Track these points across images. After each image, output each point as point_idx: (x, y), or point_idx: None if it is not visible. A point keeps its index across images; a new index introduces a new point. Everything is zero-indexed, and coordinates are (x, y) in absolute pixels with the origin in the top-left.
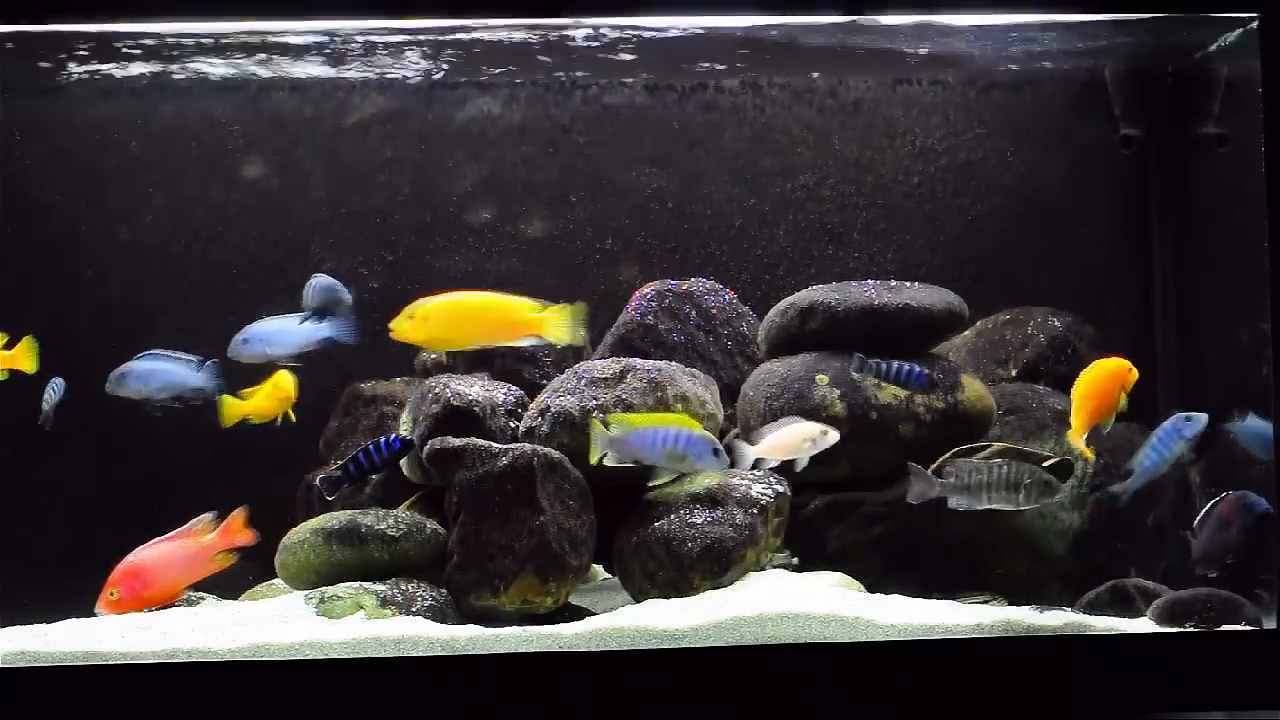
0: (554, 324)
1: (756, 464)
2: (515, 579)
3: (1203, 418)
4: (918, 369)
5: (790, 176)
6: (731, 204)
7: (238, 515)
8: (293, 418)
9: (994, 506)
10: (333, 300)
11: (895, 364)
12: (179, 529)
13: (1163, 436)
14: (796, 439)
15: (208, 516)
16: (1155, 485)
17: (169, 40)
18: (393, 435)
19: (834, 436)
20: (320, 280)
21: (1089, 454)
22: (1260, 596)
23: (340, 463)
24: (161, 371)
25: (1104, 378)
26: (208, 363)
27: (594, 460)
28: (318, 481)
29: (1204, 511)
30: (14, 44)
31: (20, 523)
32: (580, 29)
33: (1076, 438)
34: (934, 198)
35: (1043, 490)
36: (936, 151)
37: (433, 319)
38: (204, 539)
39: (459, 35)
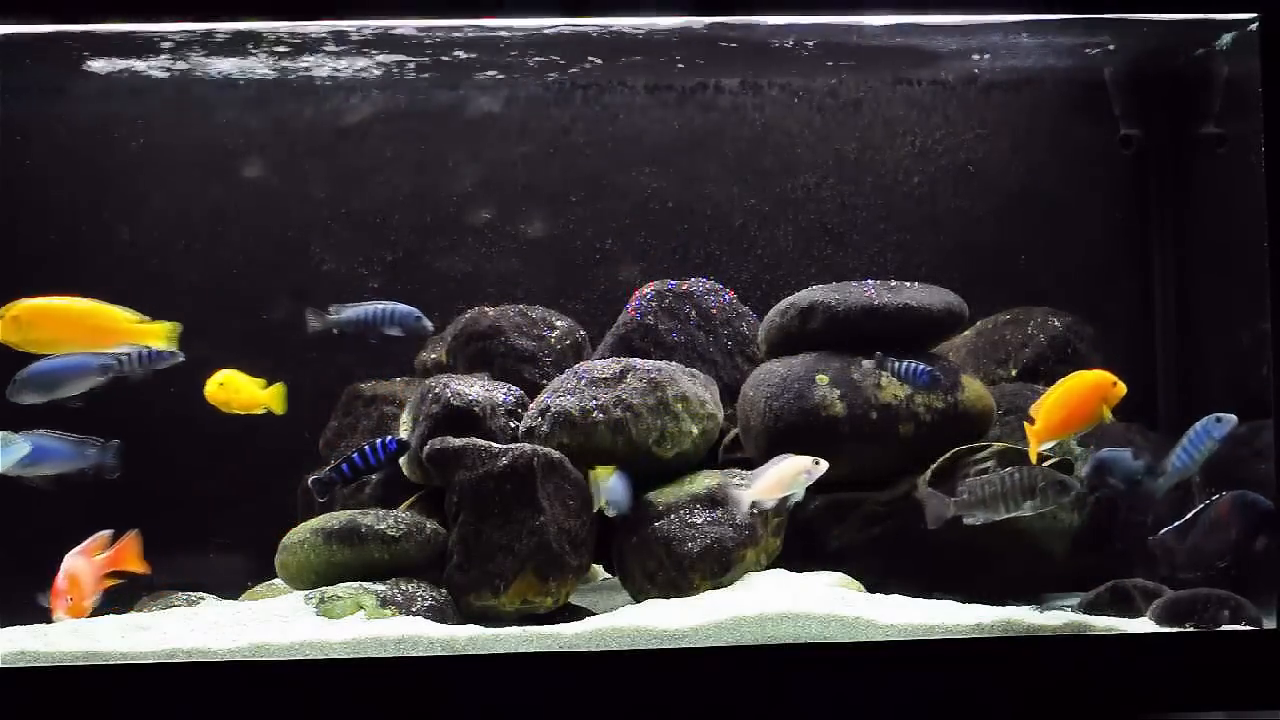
0: (149, 336)
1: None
2: (515, 579)
3: (1232, 418)
4: (922, 367)
5: (790, 177)
6: (731, 204)
7: (131, 540)
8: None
9: (1012, 515)
10: (414, 330)
11: (904, 362)
12: (81, 545)
13: (1193, 438)
14: (790, 474)
15: (104, 535)
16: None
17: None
18: (389, 438)
19: (824, 466)
20: (400, 308)
21: (1034, 459)
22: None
23: (334, 464)
24: (31, 449)
25: (1080, 389)
26: (111, 443)
27: (597, 509)
28: (309, 483)
29: (1190, 515)
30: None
31: (20, 523)
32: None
33: (1034, 443)
34: (934, 198)
35: (1058, 491)
36: (936, 151)
37: (28, 320)
38: (96, 557)
39: (462, 34)
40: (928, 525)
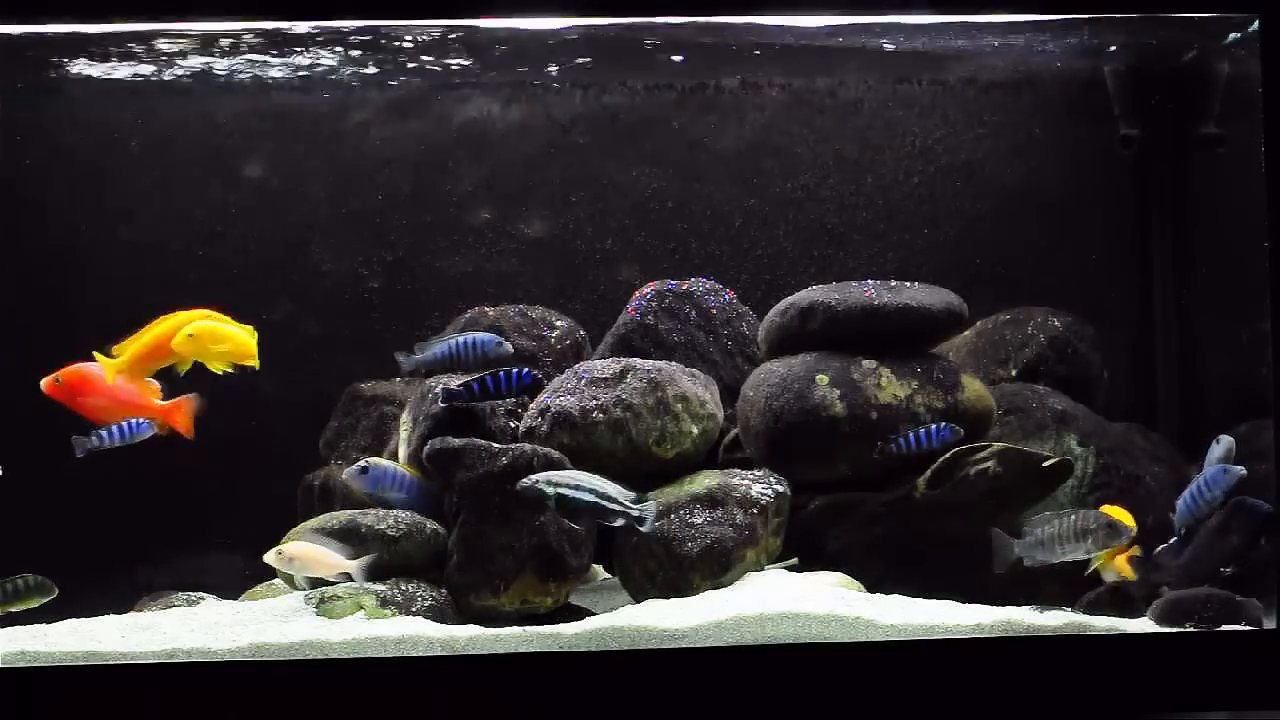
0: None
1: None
2: (515, 579)
3: (1239, 470)
4: (936, 427)
5: (790, 176)
6: (731, 204)
7: (187, 401)
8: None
9: (1068, 558)
10: (497, 355)
11: (912, 433)
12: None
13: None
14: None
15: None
16: (1156, 490)
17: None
18: (525, 370)
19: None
20: (481, 336)
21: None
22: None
23: (467, 380)
24: None
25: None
26: None
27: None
28: (439, 389)
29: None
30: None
31: (20, 523)
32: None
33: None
34: (934, 198)
35: (1109, 534)
36: (936, 151)
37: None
38: (153, 400)
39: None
40: (994, 569)
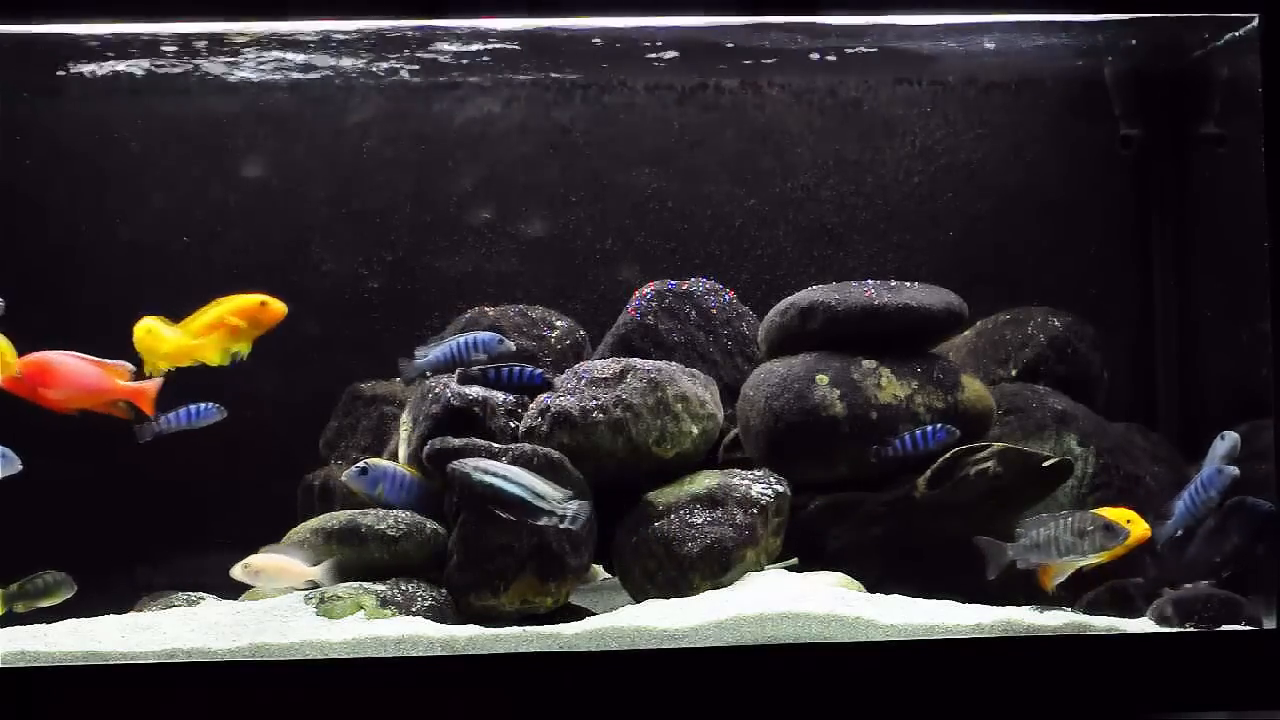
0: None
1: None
2: (515, 579)
3: (1233, 470)
4: (932, 429)
5: (790, 176)
6: (731, 204)
7: (153, 385)
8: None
9: (1064, 560)
10: (498, 353)
11: (908, 435)
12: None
13: (1196, 489)
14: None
15: (128, 366)
16: (1156, 490)
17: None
18: (537, 371)
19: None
20: (482, 336)
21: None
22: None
23: (483, 367)
24: None
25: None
26: None
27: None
28: (458, 373)
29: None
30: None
31: (20, 523)
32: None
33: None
34: (934, 197)
35: (1106, 535)
36: (936, 151)
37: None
38: (117, 381)
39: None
40: (988, 575)
